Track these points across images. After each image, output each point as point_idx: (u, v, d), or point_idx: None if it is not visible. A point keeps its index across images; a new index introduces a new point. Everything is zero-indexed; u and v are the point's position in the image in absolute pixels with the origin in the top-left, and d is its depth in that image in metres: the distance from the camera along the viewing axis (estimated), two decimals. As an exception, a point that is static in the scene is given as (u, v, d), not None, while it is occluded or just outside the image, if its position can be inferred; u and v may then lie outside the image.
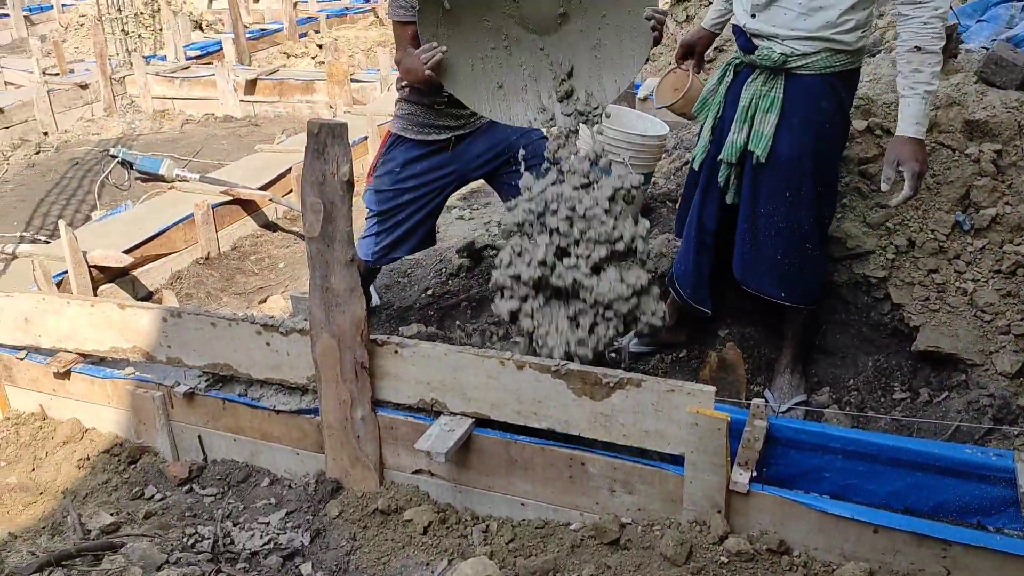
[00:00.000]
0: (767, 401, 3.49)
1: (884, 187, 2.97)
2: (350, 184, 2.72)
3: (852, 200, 3.61)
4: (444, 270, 4.74)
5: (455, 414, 2.91)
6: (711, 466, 2.62)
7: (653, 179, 4.77)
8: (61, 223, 4.36)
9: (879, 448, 2.87)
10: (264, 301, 4.97)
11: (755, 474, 2.68)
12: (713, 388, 2.64)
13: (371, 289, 4.28)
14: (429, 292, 4.54)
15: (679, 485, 2.71)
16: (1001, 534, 2.48)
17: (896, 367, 3.55)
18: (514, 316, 3.01)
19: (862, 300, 3.60)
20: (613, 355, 3.79)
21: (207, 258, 5.53)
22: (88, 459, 3.31)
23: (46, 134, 8.45)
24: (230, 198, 5.80)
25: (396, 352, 2.91)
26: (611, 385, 2.71)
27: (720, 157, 3.31)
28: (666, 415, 2.69)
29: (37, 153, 7.29)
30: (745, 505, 2.66)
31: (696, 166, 3.46)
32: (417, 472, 3.03)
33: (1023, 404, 3.11)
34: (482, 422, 2.93)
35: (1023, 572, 2.40)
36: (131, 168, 6.47)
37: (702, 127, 3.44)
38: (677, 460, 2.71)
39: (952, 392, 3.31)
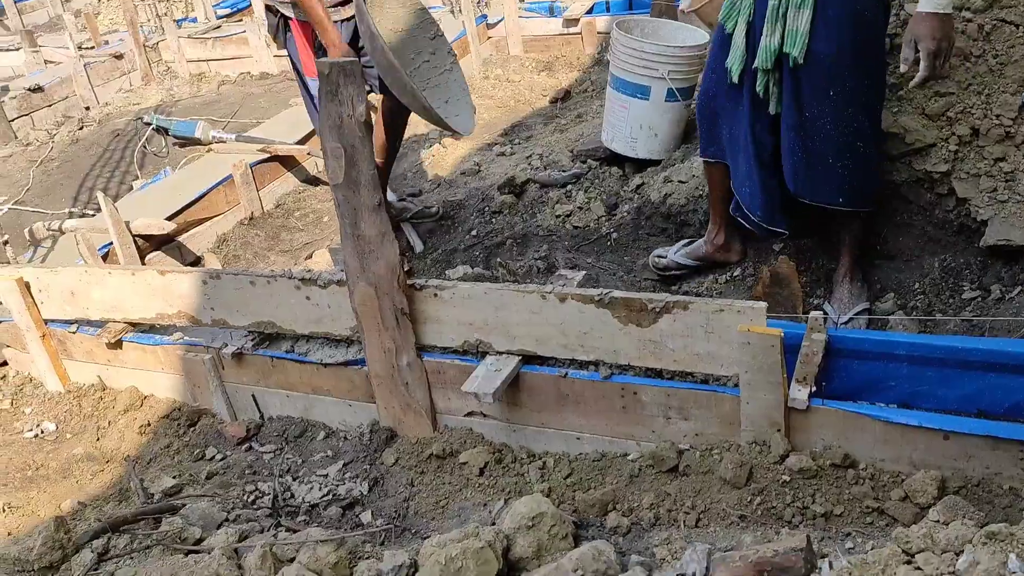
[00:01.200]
0: (827, 314, 3.34)
1: (902, 68, 2.76)
2: (368, 125, 2.64)
3: (909, 91, 3.37)
4: (487, 209, 4.65)
5: (501, 353, 2.86)
6: (767, 384, 2.52)
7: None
8: (100, 195, 4.39)
9: (947, 351, 2.71)
10: (310, 256, 4.97)
11: (815, 389, 2.57)
12: (764, 304, 2.53)
13: (414, 235, 4.23)
14: (473, 232, 4.47)
15: (736, 407, 2.62)
16: (1084, 432, 2.33)
17: (964, 266, 3.36)
18: None
19: (925, 198, 3.39)
20: (658, 260, 3.68)
21: (251, 218, 5.54)
22: (149, 425, 3.38)
23: (88, 108, 8.53)
24: (268, 155, 5.77)
25: (436, 295, 2.85)
26: (657, 310, 2.61)
27: (755, 64, 3.11)
28: (717, 336, 2.58)
29: (80, 128, 7.37)
30: (806, 421, 2.56)
31: (735, 78, 3.25)
32: (469, 415, 3.00)
33: (1104, 293, 2.90)
34: (530, 359, 2.87)
35: (1109, 470, 2.27)
36: (167, 134, 6.48)
37: (733, 34, 3.23)
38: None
39: (1025, 287, 3.12)
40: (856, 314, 3.31)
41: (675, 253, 3.68)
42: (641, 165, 4.59)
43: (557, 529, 2.33)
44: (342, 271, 2.98)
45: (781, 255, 3.28)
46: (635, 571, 1.89)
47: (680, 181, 4.03)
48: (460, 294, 2.83)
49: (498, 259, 3.80)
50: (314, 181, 6.16)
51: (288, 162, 6.00)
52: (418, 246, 4.29)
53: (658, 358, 2.67)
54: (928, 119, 3.34)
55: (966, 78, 3.28)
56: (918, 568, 1.34)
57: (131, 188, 5.90)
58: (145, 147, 6.38)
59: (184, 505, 2.61)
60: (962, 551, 1.42)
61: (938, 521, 2.02)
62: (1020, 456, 2.37)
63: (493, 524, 2.44)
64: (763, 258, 3.68)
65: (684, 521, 2.54)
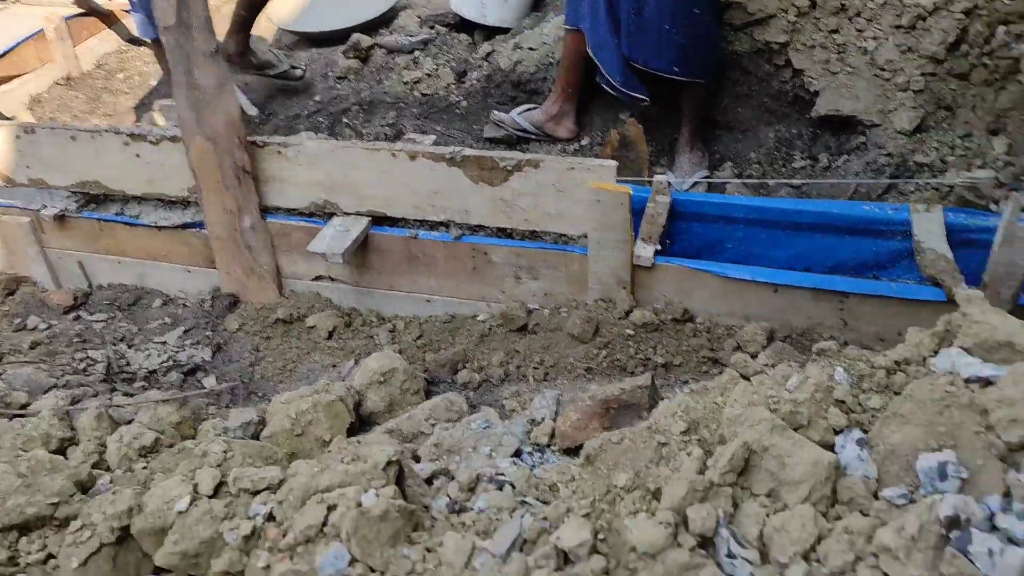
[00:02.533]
0: (670, 182, 3.43)
1: None
2: (199, -41, 2.40)
3: (752, -38, 3.41)
4: (331, 74, 4.41)
5: (349, 214, 2.77)
6: (615, 243, 2.58)
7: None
8: None
9: (779, 213, 2.87)
10: (138, 121, 4.59)
11: (659, 248, 2.66)
12: (614, 163, 2.55)
13: (245, 99, 3.95)
14: (317, 98, 4.24)
15: (584, 266, 2.68)
16: (895, 282, 2.55)
17: (797, 136, 3.52)
18: None
19: (763, 69, 3.50)
20: (499, 115, 3.64)
21: (69, 78, 5.01)
22: (-43, 295, 3.08)
23: None
24: (84, 10, 5.20)
25: (280, 152, 2.70)
26: (509, 168, 2.59)
27: None
28: (568, 195, 2.60)
29: None
30: (649, 278, 2.65)
31: None
32: (317, 279, 2.91)
33: (919, 160, 3.13)
34: (380, 220, 2.80)
35: (914, 315, 2.49)
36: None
37: None
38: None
39: (851, 155, 3.31)
40: (697, 181, 3.43)
41: (516, 112, 3.65)
42: (491, 32, 4.47)
43: (409, 384, 2.33)
44: (176, 126, 2.76)
45: (630, 119, 3.32)
46: (488, 411, 1.92)
47: (530, 48, 3.96)
48: (306, 152, 2.69)
49: (344, 121, 3.64)
50: (137, 41, 5.62)
51: (108, 18, 5.43)
52: (251, 111, 4.01)
53: (509, 217, 2.67)
54: (771, -10, 3.41)
55: (808, -50, 3.35)
56: (754, 387, 1.43)
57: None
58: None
59: (5, 372, 2.41)
60: (791, 376, 1.52)
61: (766, 364, 2.16)
62: (839, 307, 2.56)
63: (344, 382, 2.41)
64: (611, 126, 3.71)
65: (533, 376, 2.61)
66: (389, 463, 1.44)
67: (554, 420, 2.01)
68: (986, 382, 1.26)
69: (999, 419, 1.16)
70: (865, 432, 1.31)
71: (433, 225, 2.79)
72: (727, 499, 1.20)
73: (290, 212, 2.85)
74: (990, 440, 1.17)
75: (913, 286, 2.57)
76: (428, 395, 2.42)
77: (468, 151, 2.60)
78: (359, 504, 1.34)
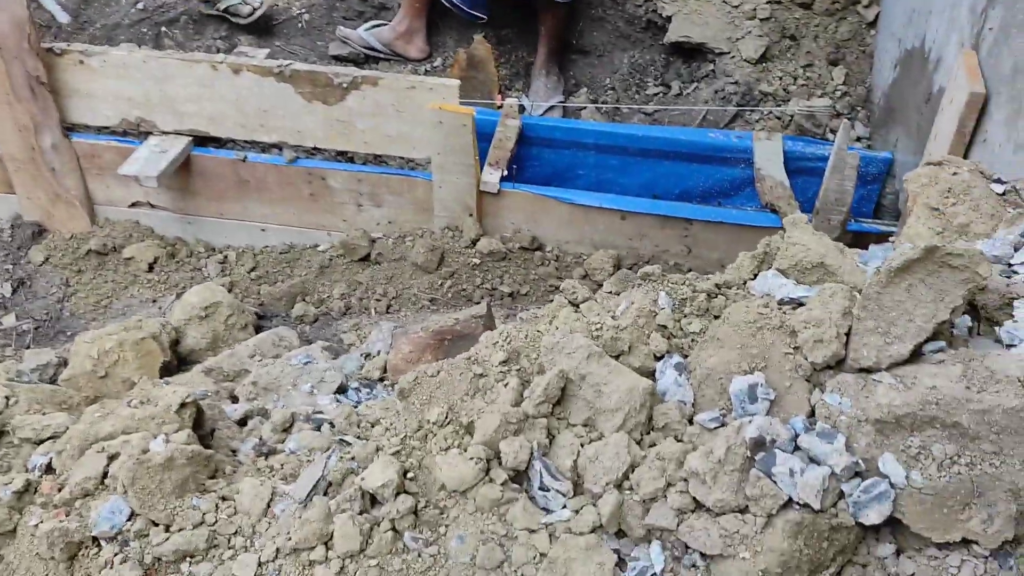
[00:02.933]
0: (524, 107, 3.34)
1: None
2: None
3: None
4: (158, -20, 4.02)
5: (168, 134, 2.53)
6: (460, 167, 2.47)
7: None
8: None
9: (629, 139, 2.84)
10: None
11: (507, 174, 2.57)
12: (457, 82, 2.43)
13: (54, 3, 3.53)
14: (140, 6, 3.85)
15: (429, 192, 2.56)
16: (736, 209, 2.57)
17: (650, 62, 3.48)
18: None
19: (617, -7, 3.43)
20: (344, 32, 3.43)
21: None
22: None
23: None
24: None
25: (82, 62, 2.42)
26: (345, 86, 2.42)
27: None
28: (409, 116, 2.46)
29: None
30: (497, 205, 2.57)
31: None
32: (135, 205, 2.67)
33: (764, 89, 3.15)
34: (204, 142, 2.58)
35: (753, 241, 2.50)
36: None
37: None
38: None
39: (701, 83, 3.31)
40: (552, 107, 3.34)
41: (363, 29, 3.44)
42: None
43: (235, 319, 2.18)
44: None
45: (479, 37, 3.18)
46: (311, 347, 1.80)
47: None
48: (114, 62, 2.42)
49: (164, 31, 3.31)
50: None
51: None
52: (62, 17, 3.57)
53: (347, 139, 2.51)
54: (627, -91, 3.32)
55: None
56: (581, 313, 1.37)
57: None
58: None
59: None
60: (619, 302, 1.47)
61: (610, 292, 2.12)
62: (684, 234, 2.56)
63: (164, 318, 2.22)
64: (463, 46, 3.57)
65: (375, 308, 2.50)
66: (183, 405, 1.30)
67: (388, 354, 1.91)
68: (797, 303, 1.24)
69: (805, 340, 1.14)
70: (685, 357, 1.27)
71: (265, 147, 2.60)
72: (542, 431, 1.14)
73: (100, 131, 2.58)
74: (797, 361, 1.15)
75: (752, 213, 2.60)
76: (259, 331, 2.26)
77: (300, 65, 2.42)
78: (144, 452, 1.20)
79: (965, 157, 2.07)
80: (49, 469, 1.32)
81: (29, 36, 2.31)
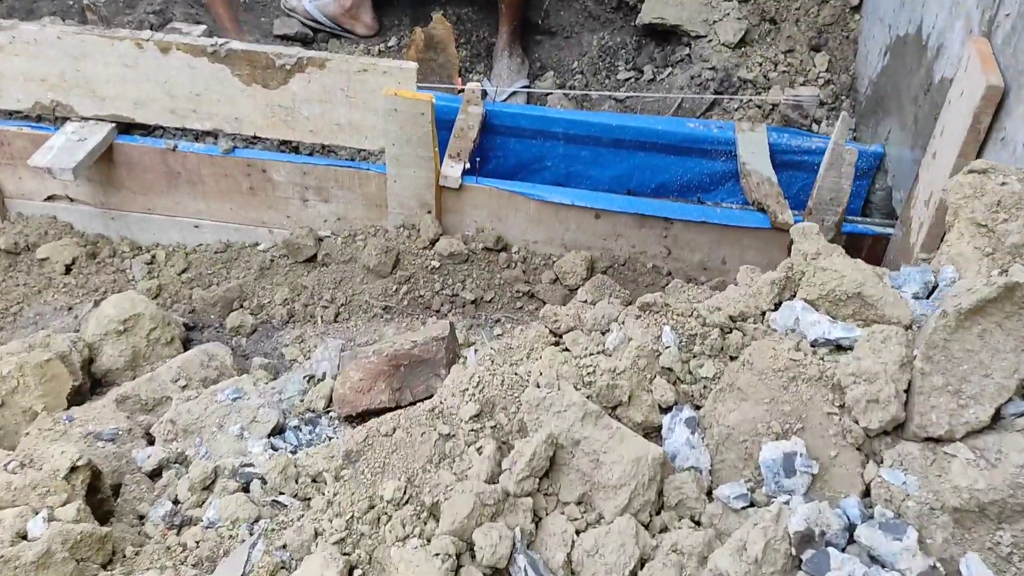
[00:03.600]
0: (486, 92, 3.08)
1: None
2: None
3: None
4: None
5: (87, 120, 2.23)
6: (417, 159, 2.21)
7: None
8: None
9: (601, 128, 2.60)
10: None
11: (469, 167, 2.32)
12: (414, 65, 2.17)
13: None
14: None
15: (383, 187, 2.30)
16: (720, 207, 2.36)
17: (621, 45, 3.25)
18: None
19: (587, -32, 3.19)
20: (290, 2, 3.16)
21: None
22: None
23: None
24: None
25: None
26: (288, 68, 2.14)
27: None
28: (360, 102, 2.20)
29: None
30: (458, 202, 2.32)
31: None
32: (51, 199, 2.36)
33: (744, 76, 2.94)
34: (129, 129, 2.28)
35: (737, 242, 2.32)
36: None
37: None
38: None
39: (676, 68, 3.08)
40: (515, 91, 3.10)
41: (308, 1, 3.15)
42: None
43: (159, 333, 1.90)
44: None
45: (438, 16, 2.91)
46: (241, 379, 1.53)
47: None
48: (24, 38, 2.11)
49: (90, 3, 2.99)
50: None
51: None
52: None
53: (291, 128, 2.24)
54: None
55: None
56: (566, 349, 1.14)
57: None
58: None
59: None
60: (609, 330, 1.24)
61: (586, 301, 1.89)
62: (663, 234, 2.35)
63: (77, 332, 1.94)
64: (419, 25, 3.29)
65: (321, 317, 2.24)
66: (74, 469, 1.04)
67: (335, 378, 1.65)
68: (836, 346, 1.03)
69: (856, 399, 0.92)
70: (697, 408, 1.05)
71: (199, 135, 2.31)
72: (526, 514, 0.90)
73: (11, 116, 2.27)
74: (845, 424, 0.94)
75: (737, 211, 2.39)
76: (187, 345, 1.99)
77: (236, 44, 2.13)
78: (20, 537, 0.94)
79: (979, 156, 1.88)
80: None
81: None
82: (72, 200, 2.35)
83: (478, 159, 2.44)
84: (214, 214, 2.37)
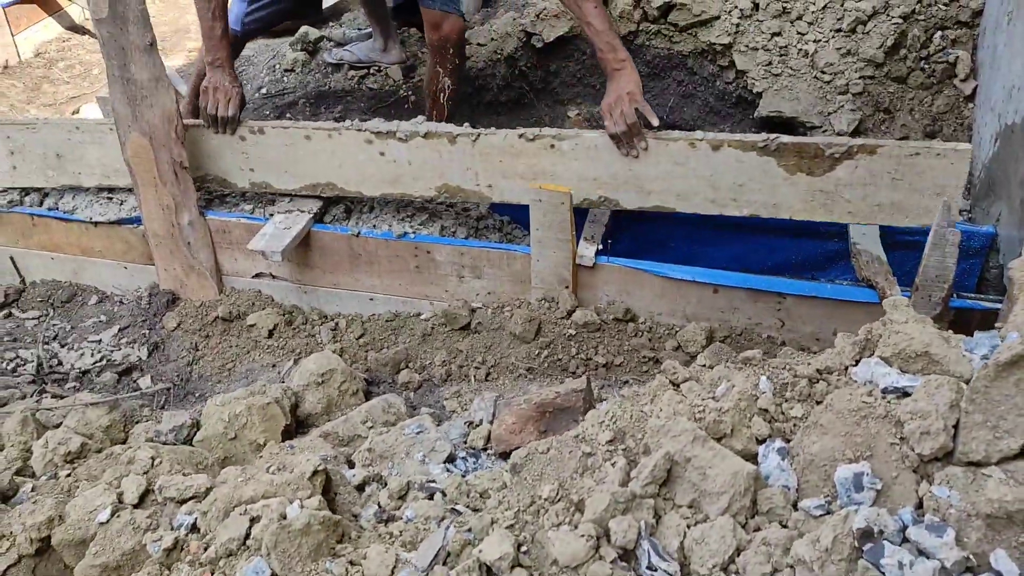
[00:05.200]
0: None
1: None
2: (132, -50, 2.34)
3: (698, -37, 3.43)
4: (278, 66, 4.34)
5: (291, 212, 2.73)
6: (556, 242, 2.58)
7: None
8: None
9: (720, 215, 2.89)
10: (77, 112, 4.47)
11: (602, 248, 2.67)
12: (967, 146, 2.32)
13: (185, 89, 3.87)
14: (263, 91, 4.17)
15: (527, 265, 2.68)
16: (831, 284, 2.59)
17: (741, 136, 3.56)
18: None
19: (708, 69, 3.53)
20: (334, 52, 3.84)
21: (6, 67, 4.88)
22: None
23: None
24: (22, -4, 5.06)
25: (553, 147, 2.48)
26: (837, 156, 2.32)
27: None
28: (907, 183, 2.34)
29: None
30: (592, 278, 2.66)
31: None
32: (258, 276, 2.87)
33: (857, 162, 3.17)
34: (321, 218, 2.77)
35: (848, 316, 2.53)
36: None
37: None
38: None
39: (793, 156, 3.35)
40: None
41: (349, 50, 3.84)
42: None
43: (347, 385, 2.31)
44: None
45: (576, 114, 3.32)
46: (423, 418, 1.91)
47: (479, 44, 3.94)
48: (585, 144, 2.42)
49: (288, 116, 3.58)
50: (81, 30, 5.49)
51: (49, 5, 5.29)
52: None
53: (829, 210, 2.43)
54: (716, -9, 3.44)
55: (753, -47, 3.39)
56: (682, 394, 1.44)
57: None
58: None
59: (-73, 374, 2.35)
60: (722, 381, 1.53)
61: (704, 365, 2.18)
62: (777, 308, 2.59)
63: (282, 383, 2.38)
64: (558, 123, 3.72)
65: (474, 376, 2.61)
66: (315, 472, 1.42)
67: (491, 423, 2.01)
68: (903, 393, 1.29)
69: (912, 431, 1.18)
70: (787, 442, 1.32)
71: (444, 229, 2.73)
72: (649, 511, 1.21)
73: (233, 209, 2.79)
74: (904, 452, 1.19)
75: (848, 287, 2.61)
76: (368, 396, 2.40)
77: (785, 138, 2.35)
78: (283, 516, 1.32)
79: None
80: (194, 528, 1.45)
81: (176, 127, 2.56)
82: (274, 277, 2.85)
83: (609, 240, 2.79)
84: (386, 289, 2.80)
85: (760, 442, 1.33)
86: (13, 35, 5.03)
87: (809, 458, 1.27)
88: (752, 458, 1.32)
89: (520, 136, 2.47)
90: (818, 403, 1.37)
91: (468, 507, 1.50)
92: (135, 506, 1.57)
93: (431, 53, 3.08)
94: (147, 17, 2.49)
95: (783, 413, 1.37)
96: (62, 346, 2.72)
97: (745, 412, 1.35)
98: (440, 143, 2.54)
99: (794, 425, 1.35)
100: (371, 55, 3.93)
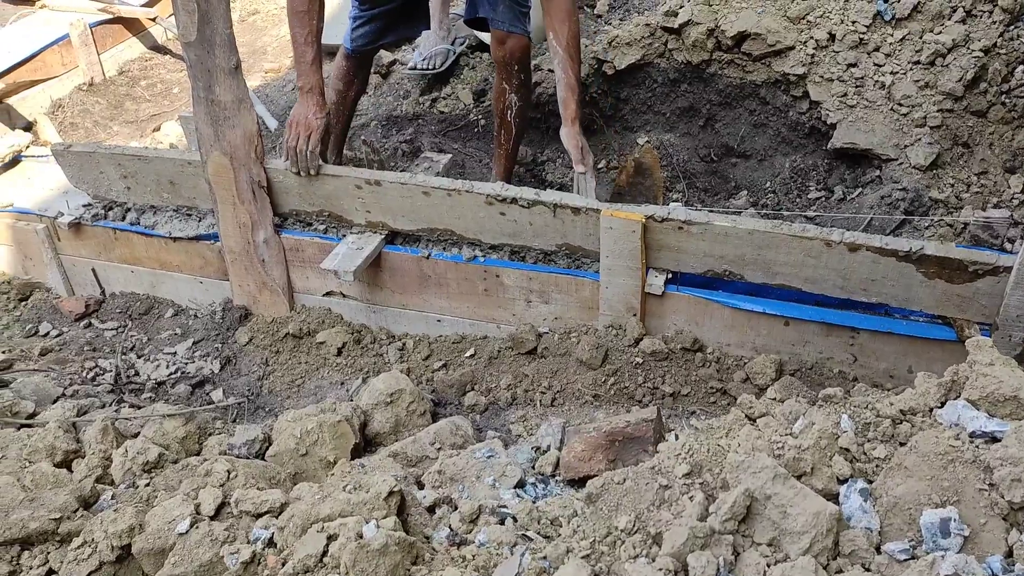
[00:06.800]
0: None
1: None
2: (223, -23, 2.43)
3: (772, -7, 3.42)
4: (351, 88, 4.45)
5: (364, 232, 2.78)
6: (626, 269, 2.58)
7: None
8: (-89, 44, 3.87)
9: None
10: (158, 129, 4.63)
11: (671, 276, 2.66)
12: None
13: (264, 111, 3.99)
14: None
15: (595, 292, 2.67)
16: (907, 320, 2.54)
17: (812, 167, 3.52)
18: None
19: (781, 100, 3.50)
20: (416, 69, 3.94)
21: (91, 84, 5.06)
22: (-27, 298, 3.11)
23: None
24: (110, 16, 5.25)
25: (688, 236, 2.49)
26: (980, 273, 2.32)
27: None
28: None
29: None
30: (660, 307, 2.65)
31: None
32: (328, 294, 2.92)
33: (935, 196, 3.11)
34: (392, 239, 2.81)
35: (924, 354, 2.48)
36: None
37: None
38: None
39: (866, 188, 3.30)
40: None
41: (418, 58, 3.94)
42: (512, 53, 4.50)
43: (415, 406, 2.33)
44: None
45: (646, 141, 3.32)
46: (493, 442, 1.92)
47: (549, 70, 3.97)
48: (715, 230, 2.44)
49: (363, 138, 3.66)
50: (163, 50, 5.69)
51: (133, 26, 5.49)
52: (271, 123, 4.05)
53: (963, 310, 2.42)
54: (789, 21, 3.41)
55: (829, -17, 3.36)
56: (759, 430, 1.42)
57: (-53, 43, 5.24)
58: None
59: (15, 380, 2.44)
60: (798, 418, 1.51)
61: (775, 399, 2.15)
62: (850, 342, 2.55)
63: (351, 401, 2.41)
64: (627, 150, 3.72)
65: (540, 400, 2.61)
66: (391, 493, 1.44)
67: (559, 449, 2.00)
68: (991, 438, 1.26)
69: (1002, 478, 1.15)
70: (869, 482, 1.30)
71: (446, 246, 2.79)
72: (728, 547, 1.19)
73: (307, 227, 2.85)
74: (993, 499, 1.16)
75: (924, 324, 2.55)
76: (434, 417, 2.42)
77: (930, 249, 2.33)
78: (359, 535, 1.34)
79: None
80: (271, 542, 1.48)
81: (256, 147, 2.64)
82: (344, 296, 2.90)
83: (681, 272, 2.77)
84: (454, 311, 2.83)
85: (841, 482, 1.31)
86: (99, 54, 5.23)
87: (893, 500, 1.24)
88: (833, 498, 1.30)
89: (649, 217, 2.48)
90: (902, 444, 1.34)
91: (539, 534, 1.50)
92: (212, 518, 1.61)
93: (497, 70, 3.12)
94: (233, 41, 2.57)
95: (865, 453, 1.34)
96: (139, 357, 2.81)
97: (826, 451, 1.33)
98: (564, 213, 2.57)
99: (876, 466, 1.32)
100: (438, 45, 4.04)
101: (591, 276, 2.68)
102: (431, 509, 1.65)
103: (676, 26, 3.49)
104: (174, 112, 4.90)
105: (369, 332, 2.88)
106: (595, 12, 4.29)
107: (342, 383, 2.65)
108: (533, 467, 1.97)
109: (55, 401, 2.38)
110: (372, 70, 4.36)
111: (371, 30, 3.18)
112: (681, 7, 3.51)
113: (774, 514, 1.21)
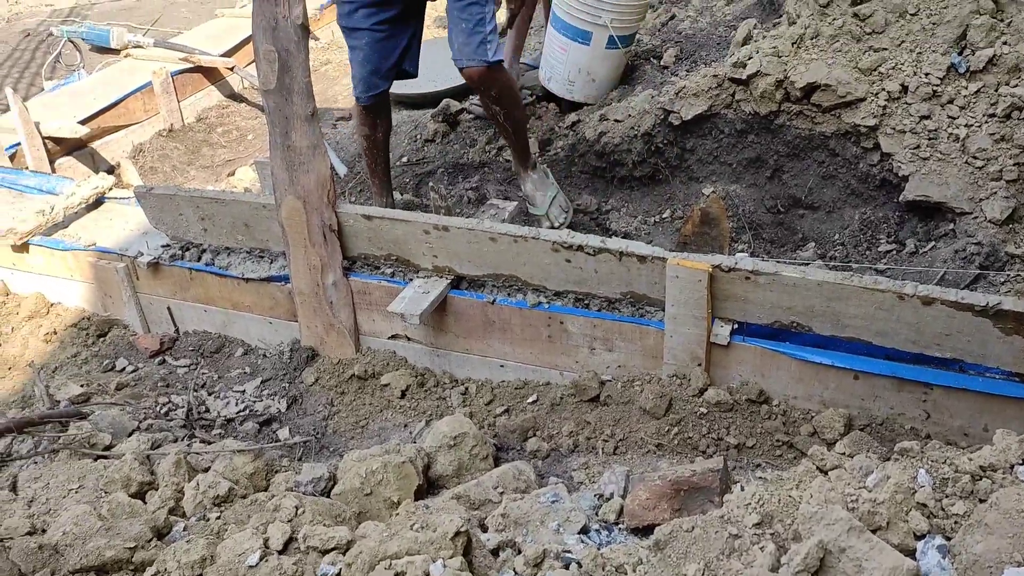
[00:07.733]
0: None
1: None
2: (305, 28, 2.53)
3: (844, 43, 3.42)
4: (419, 136, 4.55)
5: (430, 276, 2.82)
6: (691, 319, 2.56)
7: (637, 36, 4.52)
8: (8, 91, 4.12)
9: (861, 297, 2.81)
10: (232, 174, 4.80)
11: (736, 327, 2.63)
12: None
13: (336, 158, 4.10)
14: (404, 159, 4.37)
15: (659, 340, 2.66)
16: (982, 376, 2.46)
17: (883, 219, 3.46)
18: None
19: (851, 151, 3.47)
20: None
21: (171, 130, 5.30)
22: (55, 333, 3.24)
23: (-5, 7, 7.99)
24: (191, 66, 5.51)
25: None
26: None
27: None
28: None
29: (-13, 26, 6.90)
30: (725, 357, 2.62)
31: None
32: (394, 337, 2.97)
33: (1011, 251, 3.03)
34: (458, 283, 2.85)
35: (1000, 412, 2.40)
36: (81, 41, 6.05)
37: None
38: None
39: (939, 242, 3.23)
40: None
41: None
42: (577, 104, 4.56)
43: (478, 450, 2.34)
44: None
45: (712, 191, 3.32)
46: (557, 487, 1.91)
47: (616, 120, 4.02)
48: (783, 281, 2.43)
49: (430, 184, 3.74)
50: (238, 98, 5.93)
51: (212, 75, 5.74)
52: (341, 169, 4.16)
53: None
54: (860, 73, 3.39)
55: (900, 35, 3.34)
56: (832, 482, 1.39)
57: (42, 90, 5.55)
58: (58, 60, 5.90)
59: (93, 412, 2.52)
60: (871, 472, 1.48)
61: (843, 453, 2.10)
62: (923, 398, 2.48)
63: (414, 443, 2.43)
64: (693, 200, 3.72)
65: (602, 448, 2.59)
66: (458, 533, 1.44)
67: (623, 497, 1.99)
68: (1080, 497, 1.21)
69: (1094, 538, 1.11)
70: (948, 539, 1.26)
71: (510, 291, 2.82)
72: (800, 600, 1.17)
73: (374, 271, 2.92)
74: (1083, 560, 1.12)
75: (1000, 382, 2.47)
76: (497, 462, 2.42)
77: (1007, 304, 2.32)
78: (427, 574, 1.34)
79: None
80: (337, 578, 1.49)
81: (328, 192, 2.72)
82: (409, 339, 2.94)
83: (747, 322, 2.74)
84: (517, 356, 2.84)
85: (918, 538, 1.27)
86: (179, 101, 5.48)
87: (972, 558, 1.20)
88: (909, 553, 1.26)
89: (716, 267, 2.48)
90: (982, 501, 1.30)
91: (603, 581, 1.49)
92: (280, 552, 1.63)
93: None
94: (311, 89, 2.68)
95: (943, 509, 1.30)
96: (209, 394, 2.88)
97: (902, 505, 1.30)
98: (630, 261, 2.58)
99: (955, 522, 1.28)
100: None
101: (656, 325, 2.67)
102: (495, 552, 1.65)
103: (744, 77, 3.50)
104: (248, 158, 5.08)
105: (433, 376, 2.91)
106: (661, 63, 4.34)
107: (405, 425, 2.67)
108: (596, 514, 1.95)
109: (130, 434, 2.45)
110: (441, 119, 4.48)
111: (360, 75, 3.27)
112: (750, 58, 3.52)
113: (848, 567, 1.18)
